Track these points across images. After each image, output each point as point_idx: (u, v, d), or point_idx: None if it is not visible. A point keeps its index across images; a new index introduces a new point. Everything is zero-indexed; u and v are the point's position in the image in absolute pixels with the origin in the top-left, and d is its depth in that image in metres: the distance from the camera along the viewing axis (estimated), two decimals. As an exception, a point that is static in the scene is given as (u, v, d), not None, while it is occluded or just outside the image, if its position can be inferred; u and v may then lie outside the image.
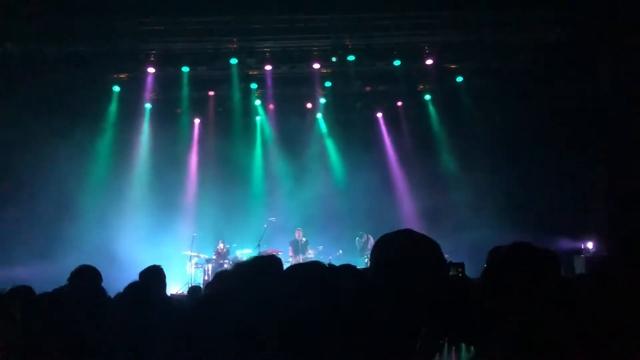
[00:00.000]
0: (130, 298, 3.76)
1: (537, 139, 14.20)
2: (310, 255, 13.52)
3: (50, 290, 3.83)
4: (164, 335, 3.14)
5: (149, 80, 14.12)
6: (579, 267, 11.88)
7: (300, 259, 13.35)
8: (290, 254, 13.69)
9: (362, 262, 13.56)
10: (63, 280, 4.37)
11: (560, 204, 14.29)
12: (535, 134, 14.11)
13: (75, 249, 11.82)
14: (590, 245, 12.76)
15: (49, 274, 8.26)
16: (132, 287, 3.88)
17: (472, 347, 2.15)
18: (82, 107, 13.84)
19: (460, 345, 2.20)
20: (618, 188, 12.59)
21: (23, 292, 4.23)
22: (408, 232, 2.08)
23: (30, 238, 12.45)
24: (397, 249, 2.00)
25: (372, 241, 14.04)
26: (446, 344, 2.07)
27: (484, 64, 13.89)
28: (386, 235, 2.09)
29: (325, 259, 12.64)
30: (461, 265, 8.84)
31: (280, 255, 13.38)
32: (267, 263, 2.61)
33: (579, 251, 12.65)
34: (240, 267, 2.64)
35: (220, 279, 3.41)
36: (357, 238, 14.27)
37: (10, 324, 3.34)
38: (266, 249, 13.18)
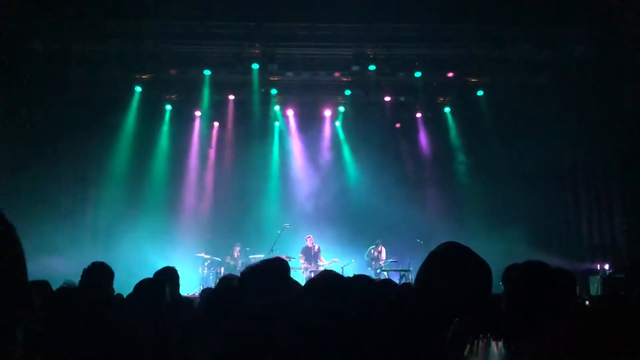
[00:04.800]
0: (144, 294, 3.78)
1: (556, 157, 14.08)
2: (325, 263, 13.44)
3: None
4: (176, 332, 3.16)
5: (171, 82, 14.26)
6: (595, 287, 11.73)
7: (312, 266, 13.31)
8: (302, 261, 13.65)
9: (372, 272, 13.47)
10: (75, 276, 4.41)
11: (576, 224, 14.15)
12: (554, 152, 13.98)
13: (89, 249, 11.94)
14: (606, 266, 12.59)
15: (63, 269, 8.36)
16: (145, 283, 3.90)
17: (501, 344, 2.16)
18: (104, 106, 14.01)
19: (490, 341, 2.21)
20: (636, 209, 12.43)
21: (41, 285, 4.28)
22: (458, 249, 2.12)
23: (48, 233, 12.57)
24: (446, 266, 2.06)
25: (384, 253, 13.92)
26: (476, 340, 2.09)
27: (506, 79, 13.80)
28: (437, 251, 2.15)
29: (338, 269, 12.60)
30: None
31: (291, 261, 13.40)
32: (275, 266, 2.63)
33: (595, 271, 12.50)
34: (250, 271, 2.65)
35: (228, 283, 3.43)
36: (372, 247, 14.10)
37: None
38: (279, 255, 13.17)
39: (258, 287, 2.39)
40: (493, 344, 2.15)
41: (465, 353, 1.92)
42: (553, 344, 2.05)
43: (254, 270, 2.61)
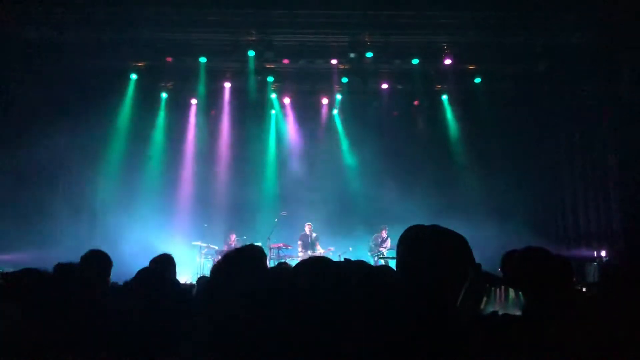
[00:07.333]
0: (143, 282, 3.76)
1: (553, 143, 14.08)
2: (320, 251, 13.45)
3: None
4: (176, 319, 3.14)
5: (166, 69, 14.17)
6: (592, 275, 11.75)
7: (309, 254, 13.32)
8: (300, 249, 13.67)
9: (372, 259, 13.48)
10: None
11: (573, 211, 14.17)
12: (552, 138, 13.99)
13: (85, 237, 11.91)
14: (603, 253, 12.61)
15: (60, 259, 8.31)
16: (144, 271, 3.87)
17: (520, 293, 2.15)
18: (99, 93, 13.93)
19: (509, 289, 2.21)
20: (634, 196, 12.43)
21: (32, 273, 4.24)
22: (435, 228, 2.11)
23: (42, 225, 12.53)
24: (424, 244, 2.02)
25: (389, 241, 13.90)
26: (494, 288, 2.09)
27: (503, 66, 13.76)
28: (413, 229, 2.11)
29: (335, 257, 12.62)
30: (478, 266, 8.75)
31: (289, 249, 13.42)
32: (246, 255, 2.59)
33: (592, 259, 12.51)
34: (225, 259, 2.62)
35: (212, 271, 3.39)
36: (377, 233, 14.03)
37: (15, 305, 3.34)
38: (276, 243, 13.20)
39: (231, 275, 2.38)
40: (511, 292, 2.14)
41: (482, 305, 1.91)
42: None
43: (226, 259, 2.58)
